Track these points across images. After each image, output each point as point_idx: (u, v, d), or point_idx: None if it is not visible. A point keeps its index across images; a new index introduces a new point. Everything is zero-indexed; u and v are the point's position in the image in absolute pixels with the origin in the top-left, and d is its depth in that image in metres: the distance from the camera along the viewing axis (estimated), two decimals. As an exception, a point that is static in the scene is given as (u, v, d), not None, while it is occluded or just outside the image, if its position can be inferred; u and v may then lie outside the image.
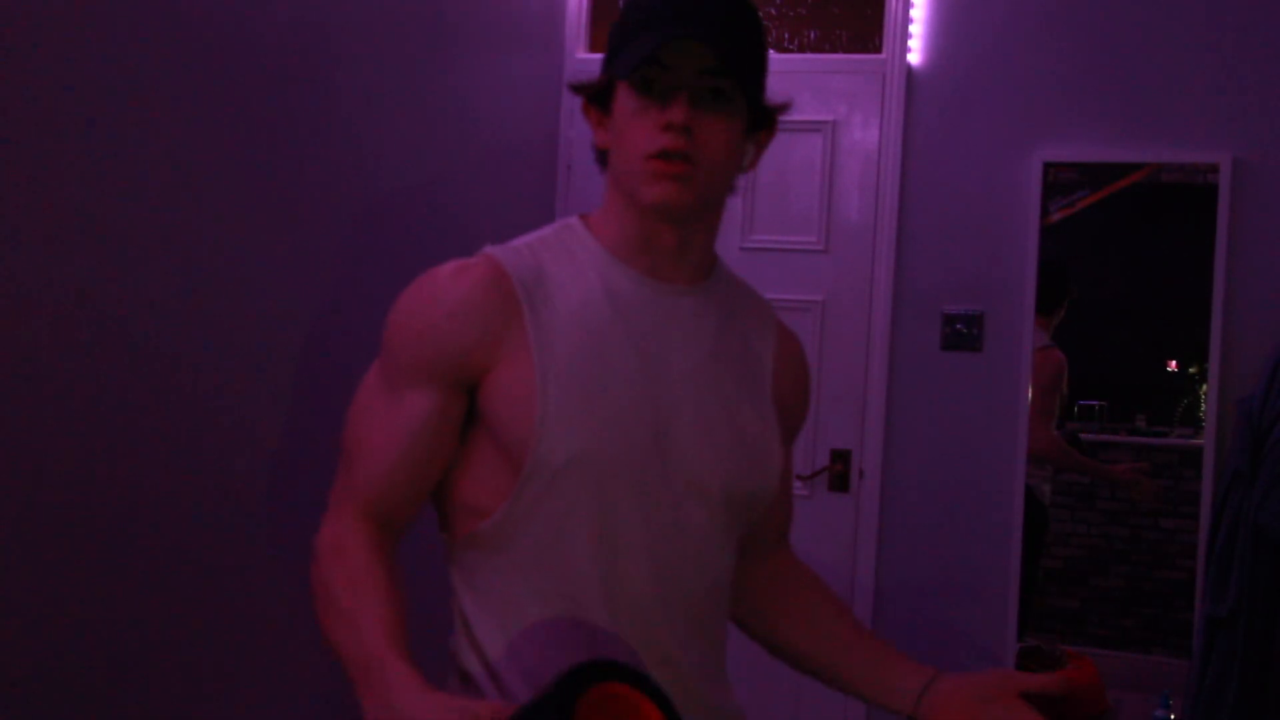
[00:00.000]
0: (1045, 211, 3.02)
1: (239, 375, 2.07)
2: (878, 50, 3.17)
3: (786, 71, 3.20)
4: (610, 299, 1.17)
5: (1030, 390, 3.01)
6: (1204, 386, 2.93)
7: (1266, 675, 2.46)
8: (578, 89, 1.24)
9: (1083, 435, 3.21)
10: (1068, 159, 3.02)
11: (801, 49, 3.26)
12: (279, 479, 2.18)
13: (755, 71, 1.18)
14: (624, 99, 1.17)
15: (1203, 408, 2.93)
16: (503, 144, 3.04)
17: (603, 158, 1.24)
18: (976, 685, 1.20)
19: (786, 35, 3.27)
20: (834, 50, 3.25)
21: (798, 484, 3.17)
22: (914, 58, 3.11)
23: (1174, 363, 3.13)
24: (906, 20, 3.10)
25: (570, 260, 1.19)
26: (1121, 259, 3.21)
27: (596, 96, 1.22)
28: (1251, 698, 2.47)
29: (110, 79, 1.76)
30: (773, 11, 3.29)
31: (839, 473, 3.15)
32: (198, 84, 1.93)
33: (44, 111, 1.65)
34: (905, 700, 1.25)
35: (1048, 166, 3.01)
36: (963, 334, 3.05)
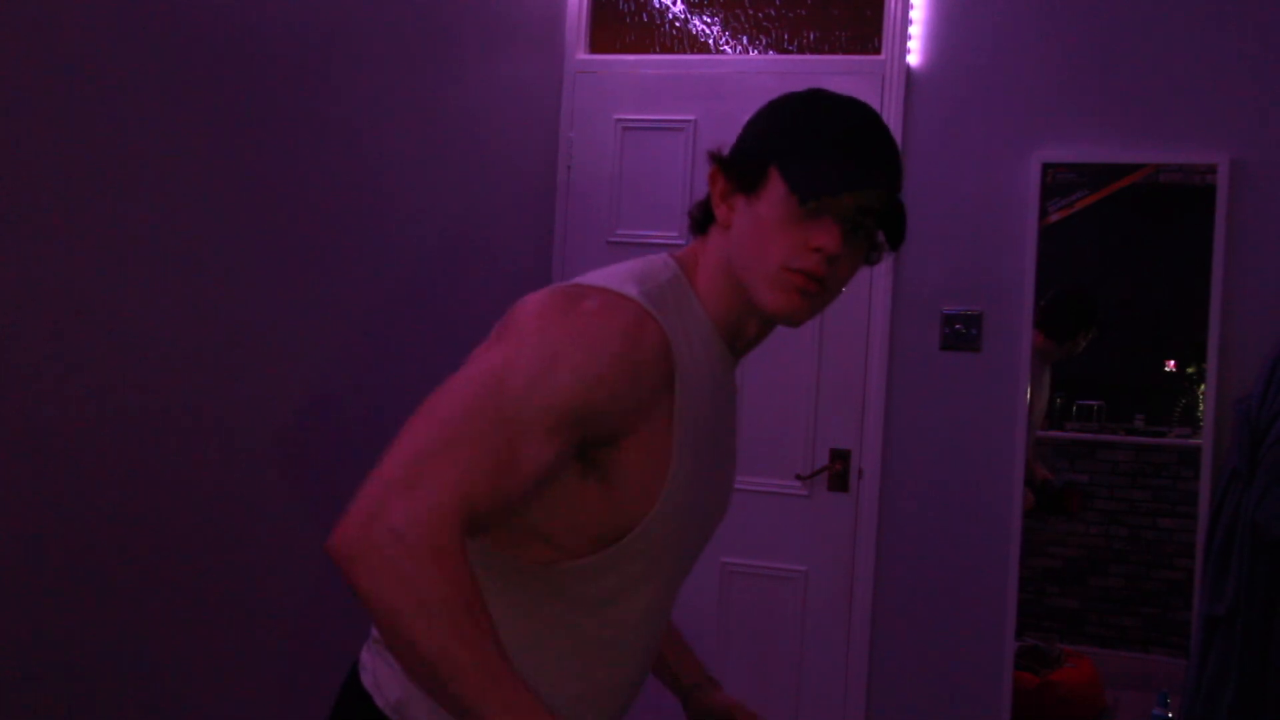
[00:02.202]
0: (1044, 212, 3.03)
1: (237, 377, 2.08)
2: (877, 51, 3.18)
3: (786, 73, 3.21)
4: (714, 377, 1.23)
5: (1029, 393, 3.02)
6: (1202, 386, 2.94)
7: (1264, 674, 2.46)
8: (719, 159, 1.24)
9: (1081, 435, 3.22)
10: (1066, 160, 3.03)
11: (801, 50, 3.27)
12: (277, 482, 2.19)
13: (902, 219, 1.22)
14: (777, 198, 1.17)
15: (1201, 408, 2.94)
16: (503, 144, 3.05)
17: (704, 222, 1.27)
18: (722, 707, 1.44)
19: (786, 36, 3.28)
20: (833, 51, 3.25)
21: (798, 484, 3.18)
22: (913, 59, 3.12)
23: (1172, 363, 3.14)
24: (906, 21, 3.11)
25: (685, 327, 1.19)
26: (1120, 259, 3.21)
27: (739, 175, 1.21)
28: (1249, 696, 2.48)
29: (108, 82, 1.77)
30: (771, 12, 3.30)
31: (838, 472, 3.15)
32: (195, 83, 1.94)
33: (45, 135, 1.66)
34: (675, 688, 1.49)
35: (1046, 167, 3.02)
36: (961, 334, 3.06)
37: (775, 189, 1.17)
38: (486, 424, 1.05)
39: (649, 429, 1.14)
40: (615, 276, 1.18)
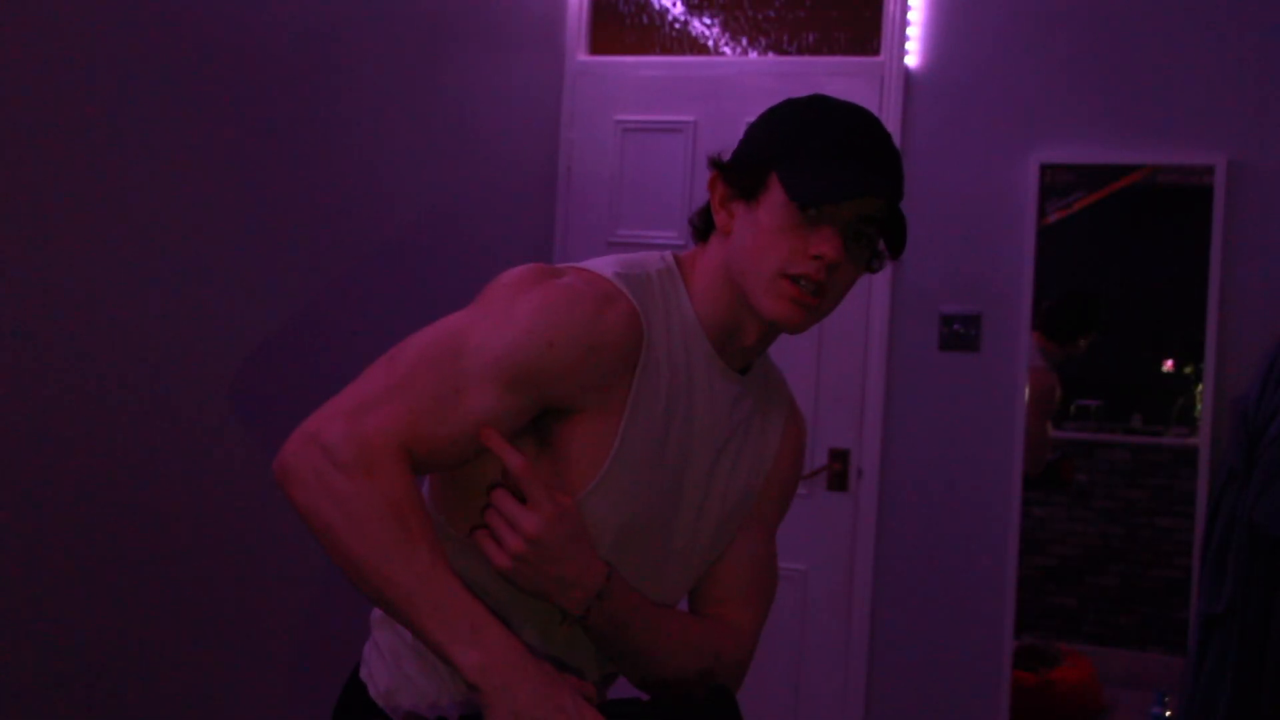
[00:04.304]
0: (1042, 213, 3.04)
1: (237, 378, 2.08)
2: (876, 53, 3.19)
3: (785, 74, 3.22)
4: (689, 379, 1.21)
5: (1026, 393, 3.03)
6: (1199, 386, 2.95)
7: (1261, 671, 2.47)
8: (719, 165, 1.23)
9: (1079, 434, 3.23)
10: (1064, 161, 3.04)
11: (800, 51, 3.28)
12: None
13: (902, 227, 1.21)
14: (777, 205, 1.16)
15: (1198, 407, 2.95)
16: (503, 145, 3.06)
17: (705, 229, 1.25)
18: None
19: (785, 38, 3.29)
20: (832, 52, 3.26)
21: (796, 483, 3.19)
22: (912, 60, 3.13)
23: (1170, 362, 3.15)
24: (904, 23, 3.12)
25: (668, 322, 1.19)
26: (1118, 260, 3.23)
27: (739, 180, 1.20)
28: (1246, 694, 2.49)
29: (109, 82, 1.78)
30: (771, 14, 3.31)
31: (837, 472, 3.16)
32: (195, 83, 1.95)
33: (44, 133, 1.67)
34: None
35: (1044, 168, 3.02)
36: (960, 334, 3.07)
37: (775, 196, 1.16)
38: (436, 371, 1.09)
39: (604, 409, 1.14)
40: (600, 262, 1.20)
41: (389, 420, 1.06)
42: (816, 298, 1.17)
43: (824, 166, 1.15)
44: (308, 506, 1.05)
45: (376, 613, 1.28)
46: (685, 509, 1.25)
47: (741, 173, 1.20)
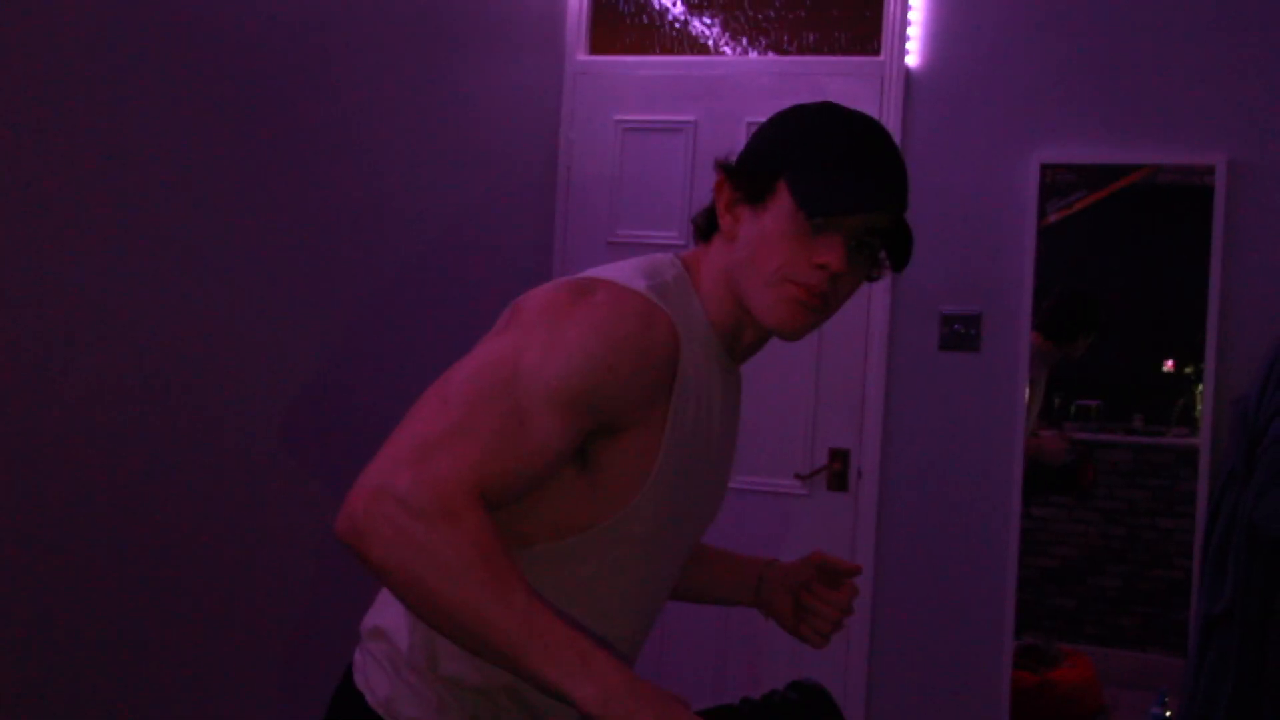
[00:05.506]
0: (1042, 213, 3.03)
1: (237, 377, 2.08)
2: (876, 52, 3.19)
3: (785, 74, 3.22)
4: (710, 380, 1.23)
5: (1027, 393, 3.03)
6: (1200, 386, 2.94)
7: (1261, 672, 2.47)
8: (725, 168, 1.23)
9: (1080, 435, 3.23)
10: (1065, 160, 3.03)
11: (800, 51, 3.27)
12: (276, 483, 2.19)
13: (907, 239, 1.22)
14: (784, 211, 1.17)
15: (1199, 408, 2.95)
16: (503, 145, 3.05)
17: (708, 230, 1.26)
18: (792, 571, 1.48)
19: (785, 37, 3.29)
20: (832, 52, 3.26)
21: (797, 483, 3.19)
22: (912, 60, 3.13)
23: (1170, 363, 3.14)
24: (905, 22, 3.12)
25: (688, 327, 1.19)
26: (1118, 260, 3.22)
27: (746, 185, 1.20)
28: (1247, 695, 2.49)
29: (106, 79, 1.78)
30: (771, 14, 3.31)
31: (837, 472, 3.16)
32: (195, 84, 1.95)
33: (42, 131, 1.67)
34: (746, 594, 1.52)
35: (1045, 168, 3.02)
36: (960, 334, 3.07)
37: (783, 202, 1.17)
38: (496, 406, 1.05)
39: (648, 422, 1.14)
40: (622, 272, 1.18)
41: (460, 462, 1.01)
42: (822, 305, 1.19)
43: (836, 177, 1.15)
44: (390, 563, 0.98)
45: (368, 623, 1.27)
46: (714, 490, 1.33)
47: (749, 177, 1.20)
